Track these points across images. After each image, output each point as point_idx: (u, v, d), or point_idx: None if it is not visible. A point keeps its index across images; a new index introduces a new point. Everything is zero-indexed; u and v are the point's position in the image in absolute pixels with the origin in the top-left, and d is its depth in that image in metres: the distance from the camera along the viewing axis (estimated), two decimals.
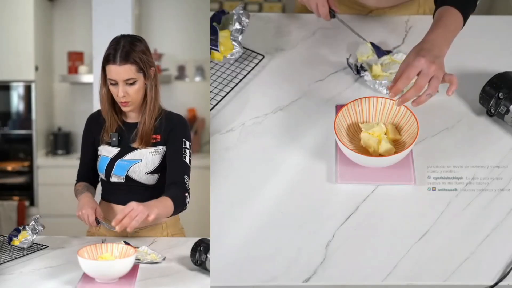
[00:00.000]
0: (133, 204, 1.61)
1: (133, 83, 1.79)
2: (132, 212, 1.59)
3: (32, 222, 1.77)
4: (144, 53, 1.81)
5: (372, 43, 1.95)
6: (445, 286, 1.42)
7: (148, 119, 1.83)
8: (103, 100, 1.84)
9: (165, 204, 1.73)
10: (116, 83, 1.78)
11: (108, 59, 1.77)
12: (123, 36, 1.82)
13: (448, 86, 1.56)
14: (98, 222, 1.77)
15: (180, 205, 1.78)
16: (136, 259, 1.56)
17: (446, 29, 1.62)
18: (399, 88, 1.55)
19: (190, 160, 1.85)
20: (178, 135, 1.86)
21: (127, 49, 1.77)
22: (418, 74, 1.53)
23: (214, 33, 1.90)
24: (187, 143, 1.85)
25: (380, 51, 1.93)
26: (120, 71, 1.76)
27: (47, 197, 4.00)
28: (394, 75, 1.76)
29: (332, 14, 1.92)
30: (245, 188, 1.61)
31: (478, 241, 1.49)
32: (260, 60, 1.95)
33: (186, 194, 1.80)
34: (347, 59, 1.89)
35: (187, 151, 1.85)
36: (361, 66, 1.85)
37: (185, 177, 1.82)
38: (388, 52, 1.94)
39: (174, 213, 1.77)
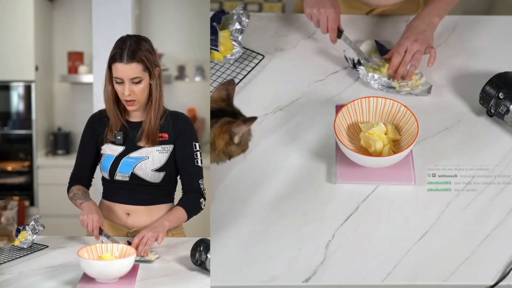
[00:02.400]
0: (143, 232, 1.70)
1: (139, 82, 1.79)
2: (143, 239, 1.68)
3: (32, 222, 1.77)
4: (150, 53, 1.81)
5: (376, 41, 1.95)
6: (445, 286, 1.42)
7: (153, 119, 1.83)
8: (108, 99, 1.85)
9: (178, 214, 1.84)
10: (122, 82, 1.78)
11: (114, 58, 1.78)
12: (129, 36, 1.83)
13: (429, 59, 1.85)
14: (100, 232, 1.73)
15: (194, 212, 1.88)
16: None
17: (442, 1, 1.93)
18: (395, 64, 1.86)
19: (201, 161, 1.90)
20: (187, 139, 1.88)
21: (134, 48, 1.78)
22: (405, 51, 1.85)
23: (214, 33, 1.90)
24: (197, 145, 1.89)
25: (384, 49, 1.94)
26: (127, 69, 1.77)
27: (47, 197, 4.00)
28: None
29: (339, 33, 1.91)
30: (245, 188, 1.61)
31: (478, 241, 1.49)
32: (260, 60, 1.95)
33: (202, 199, 1.88)
34: (344, 51, 1.89)
35: (198, 153, 1.89)
36: (358, 61, 1.85)
37: (200, 181, 1.89)
38: None
39: (189, 219, 1.87)
